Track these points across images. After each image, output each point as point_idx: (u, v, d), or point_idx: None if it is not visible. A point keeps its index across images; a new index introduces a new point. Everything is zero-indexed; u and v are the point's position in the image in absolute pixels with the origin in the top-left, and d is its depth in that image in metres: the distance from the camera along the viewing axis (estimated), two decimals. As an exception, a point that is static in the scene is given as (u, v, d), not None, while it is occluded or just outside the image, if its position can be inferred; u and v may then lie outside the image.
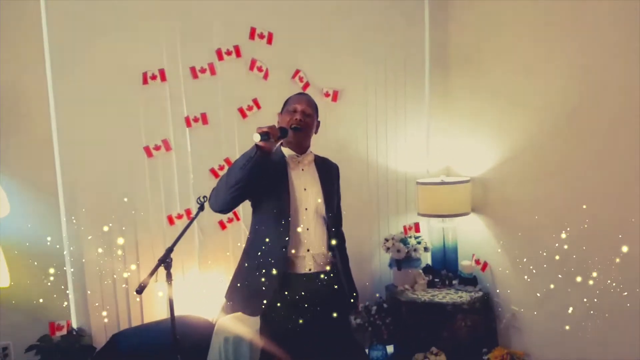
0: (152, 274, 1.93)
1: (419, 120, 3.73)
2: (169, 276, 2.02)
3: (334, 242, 2.18)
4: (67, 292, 2.96)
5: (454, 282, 3.37)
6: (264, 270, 2.08)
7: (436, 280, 3.39)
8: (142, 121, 3.06)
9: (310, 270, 2.13)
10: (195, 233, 3.18)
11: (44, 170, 2.90)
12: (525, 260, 3.01)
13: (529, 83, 2.96)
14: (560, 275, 2.74)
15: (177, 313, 3.01)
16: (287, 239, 2.08)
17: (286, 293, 2.09)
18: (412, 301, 3.18)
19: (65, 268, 2.96)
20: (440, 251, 3.52)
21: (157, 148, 3.11)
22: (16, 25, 2.82)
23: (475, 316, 3.12)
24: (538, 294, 2.90)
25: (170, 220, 3.13)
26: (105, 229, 2.99)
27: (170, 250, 2.04)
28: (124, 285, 3.05)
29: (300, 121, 2.14)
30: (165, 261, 1.99)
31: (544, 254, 2.79)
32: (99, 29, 2.95)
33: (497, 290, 3.27)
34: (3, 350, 2.81)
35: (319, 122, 2.28)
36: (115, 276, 3.04)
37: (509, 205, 3.18)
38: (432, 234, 3.62)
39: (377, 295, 3.45)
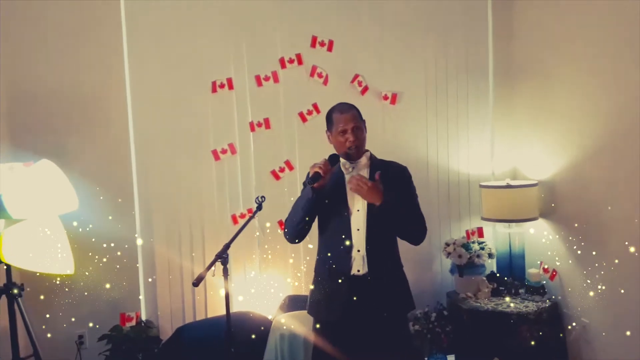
0: (208, 268, 2.04)
1: (483, 122, 3.63)
2: (225, 271, 2.11)
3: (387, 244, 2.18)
4: (139, 285, 3.18)
5: (521, 290, 3.21)
6: (334, 277, 2.15)
7: (501, 288, 3.25)
8: (210, 126, 3.26)
9: (359, 271, 2.13)
10: (256, 233, 3.29)
11: (121, 168, 3.15)
12: (597, 269, 2.80)
13: (599, 86, 2.79)
14: (637, 286, 2.53)
15: (238, 309, 3.19)
16: (346, 239, 2.13)
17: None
18: (475, 309, 3.06)
19: (137, 263, 3.17)
20: (506, 258, 3.37)
21: (223, 151, 3.28)
22: (98, 32, 3.11)
23: (542, 327, 2.94)
24: (611, 305, 2.68)
25: (234, 219, 3.27)
26: (175, 227, 3.21)
27: (227, 246, 2.14)
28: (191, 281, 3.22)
29: (355, 141, 2.17)
30: (222, 256, 2.09)
31: (617, 261, 2.59)
32: (174, 37, 3.19)
33: (567, 301, 3.07)
34: (79, 338, 3.06)
35: (364, 122, 2.28)
36: (182, 272, 3.22)
37: (579, 210, 2.99)
38: (497, 239, 3.48)
39: (438, 301, 3.36)
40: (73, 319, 3.04)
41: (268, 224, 3.29)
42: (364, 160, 2.24)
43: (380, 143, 3.36)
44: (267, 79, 3.32)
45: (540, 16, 3.28)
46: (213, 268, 2.09)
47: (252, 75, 3.30)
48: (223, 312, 3.14)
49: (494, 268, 3.44)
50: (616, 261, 2.63)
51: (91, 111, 3.11)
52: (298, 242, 2.26)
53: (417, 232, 2.19)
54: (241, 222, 3.24)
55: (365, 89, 3.45)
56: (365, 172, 2.22)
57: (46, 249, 0.95)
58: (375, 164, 2.27)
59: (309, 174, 2.13)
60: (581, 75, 2.94)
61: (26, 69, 3.01)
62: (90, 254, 3.03)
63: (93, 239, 3.02)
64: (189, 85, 3.21)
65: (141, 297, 3.20)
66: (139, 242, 3.18)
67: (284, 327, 2.78)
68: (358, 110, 2.27)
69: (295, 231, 2.18)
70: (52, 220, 0.97)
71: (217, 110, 3.26)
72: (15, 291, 2.07)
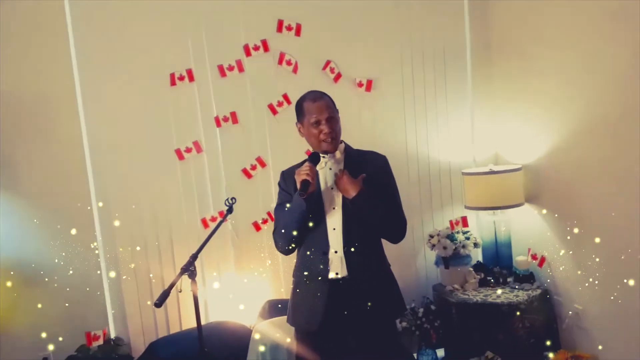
0: (173, 284, 1.82)
1: (462, 106, 3.48)
2: (193, 284, 1.90)
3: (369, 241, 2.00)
4: (105, 300, 2.93)
5: (509, 279, 3.10)
6: (312, 280, 1.98)
7: (488, 278, 3.14)
8: (172, 123, 3.00)
9: (337, 274, 1.95)
10: (229, 236, 3.07)
11: (76, 175, 2.87)
12: (587, 253, 2.70)
13: (585, 60, 2.65)
14: (629, 269, 2.43)
15: (214, 318, 2.97)
16: (323, 240, 1.97)
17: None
18: (463, 302, 2.94)
19: (101, 275, 2.92)
20: (492, 246, 3.25)
21: (188, 150, 3.03)
22: (41, 29, 2.80)
23: (534, 316, 2.84)
24: (604, 288, 2.59)
25: (205, 223, 3.04)
26: (140, 234, 2.95)
27: (194, 257, 1.93)
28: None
29: (330, 133, 1.98)
30: (189, 269, 1.87)
31: (608, 246, 2.49)
32: (124, 31, 2.90)
33: (557, 288, 2.97)
34: (44, 360, 2.80)
35: (338, 111, 2.09)
36: (151, 283, 2.98)
37: (567, 194, 2.87)
38: (482, 228, 3.36)
39: (424, 296, 3.22)
40: (37, 345, 2.78)
41: (241, 225, 3.05)
42: (338, 153, 2.05)
43: (357, 133, 3.20)
44: (231, 68, 3.07)
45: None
46: (179, 283, 1.88)
47: (214, 65, 3.04)
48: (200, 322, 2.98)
49: (480, 258, 3.33)
50: (601, 244, 2.53)
51: (38, 116, 2.81)
52: (293, 252, 2.08)
53: (395, 229, 2.03)
54: (212, 225, 3.01)
55: (338, 76, 3.24)
56: (340, 165, 2.04)
57: None
58: (352, 155, 2.08)
59: (283, 177, 1.97)
60: (561, 55, 2.81)
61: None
62: (48, 267, 2.76)
63: (49, 255, 2.75)
64: (144, 80, 2.93)
65: (109, 313, 2.95)
66: (102, 253, 2.92)
67: (265, 336, 2.59)
68: (331, 99, 2.08)
69: (290, 244, 2.01)
70: None
71: (178, 106, 3.00)
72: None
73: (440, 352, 3.13)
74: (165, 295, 1.77)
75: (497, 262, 3.21)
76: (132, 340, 2.95)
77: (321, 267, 1.95)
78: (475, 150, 3.50)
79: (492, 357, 2.77)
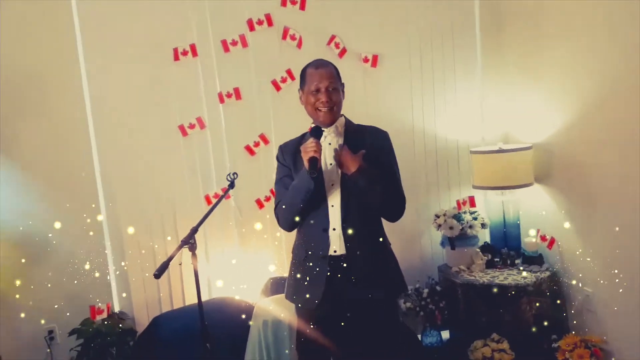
0: (172, 256, 1.81)
1: (471, 83, 3.37)
2: (194, 257, 1.89)
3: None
4: (108, 274, 2.95)
5: (517, 261, 3.03)
6: (312, 258, 1.94)
7: (496, 259, 3.07)
8: (175, 99, 2.97)
9: (336, 252, 1.91)
10: (232, 213, 3.05)
11: (80, 151, 2.88)
12: (598, 235, 2.61)
13: (599, 33, 2.53)
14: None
15: (217, 295, 2.97)
16: (326, 223, 1.92)
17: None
18: (469, 283, 2.88)
19: (105, 250, 2.93)
20: (500, 227, 3.17)
21: (191, 126, 3.00)
22: (45, 6, 2.79)
23: (541, 299, 2.78)
24: (616, 271, 2.50)
25: (208, 200, 3.02)
26: (144, 210, 2.95)
27: (194, 230, 1.92)
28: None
29: (327, 102, 1.92)
30: (189, 242, 1.86)
31: (617, 228, 2.39)
32: (128, 6, 2.87)
33: (567, 270, 2.89)
34: (49, 333, 2.84)
35: (343, 85, 2.03)
36: (155, 258, 2.98)
37: (578, 173, 2.77)
38: (490, 208, 3.27)
39: (429, 277, 3.17)
40: (42, 319, 2.82)
41: (244, 202, 3.02)
42: (338, 127, 1.99)
43: (362, 109, 3.13)
44: (234, 43, 3.01)
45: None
46: (180, 254, 1.87)
47: (218, 40, 2.99)
48: (202, 298, 2.99)
49: (487, 239, 3.25)
50: (617, 229, 2.44)
51: (42, 93, 2.81)
52: (295, 228, 2.04)
53: (394, 206, 1.96)
54: (215, 201, 2.99)
55: (343, 51, 3.16)
56: (340, 140, 1.97)
57: None
58: (352, 130, 2.02)
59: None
60: (575, 26, 2.68)
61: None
62: (52, 247, 2.79)
63: (54, 229, 2.77)
64: (148, 55, 2.90)
65: (113, 287, 2.98)
66: (106, 229, 2.94)
67: (267, 313, 2.58)
68: (337, 70, 2.01)
69: (295, 222, 1.96)
70: None
71: (182, 81, 2.96)
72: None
73: (445, 334, 3.09)
74: (164, 266, 1.76)
75: (505, 244, 3.13)
76: (136, 314, 2.97)
77: (321, 244, 1.91)
78: (484, 128, 3.40)
79: (498, 340, 2.72)
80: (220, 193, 3.01)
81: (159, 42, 2.91)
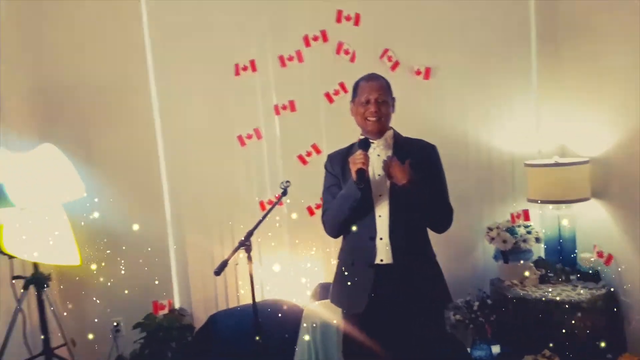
0: (231, 255, 1.96)
1: (526, 95, 3.33)
2: (249, 258, 2.02)
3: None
4: (171, 274, 3.16)
5: (572, 277, 2.95)
6: (358, 265, 2.02)
7: (550, 274, 3.00)
8: (234, 111, 3.16)
9: (382, 260, 1.97)
10: (284, 220, 3.18)
11: (149, 158, 3.13)
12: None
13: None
14: None
15: (269, 297, 3.11)
16: (373, 232, 1.99)
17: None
18: (521, 298, 2.83)
19: (169, 251, 3.15)
20: (555, 242, 3.10)
21: (249, 137, 3.18)
22: (119, 26, 3.08)
23: (597, 317, 2.68)
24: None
25: (262, 206, 3.17)
26: (204, 215, 3.15)
27: (250, 234, 2.06)
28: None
29: (375, 112, 2.01)
30: (245, 244, 2.00)
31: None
32: (194, 25, 3.11)
33: (625, 288, 2.78)
34: (115, 326, 3.07)
35: (394, 99, 2.11)
36: (213, 259, 3.16)
37: (638, 189, 2.67)
38: (545, 222, 3.20)
39: (480, 290, 3.14)
40: (109, 309, 3.08)
41: (294, 215, 3.14)
42: (388, 138, 2.06)
43: (414, 122, 3.10)
44: (290, 58, 3.17)
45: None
46: (237, 256, 2.01)
47: (276, 55, 3.16)
48: (256, 299, 3.14)
49: (541, 253, 3.18)
50: None
51: (117, 103, 3.10)
52: (340, 235, 2.13)
53: (442, 218, 2.02)
54: (268, 207, 3.13)
55: (395, 64, 3.24)
56: (388, 152, 2.04)
57: (48, 240, 0.90)
58: (401, 142, 2.08)
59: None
60: (634, 38, 2.59)
61: (54, 63, 3.03)
62: (121, 245, 3.04)
63: (123, 228, 3.02)
64: (212, 70, 3.12)
65: (174, 285, 3.19)
66: (170, 231, 3.16)
67: (316, 316, 2.68)
68: (388, 84, 2.10)
69: (341, 229, 2.07)
70: (56, 209, 0.91)
71: (241, 95, 3.16)
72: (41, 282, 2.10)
73: (496, 349, 3.05)
74: (223, 265, 1.92)
75: (560, 259, 3.05)
76: (195, 312, 3.16)
77: (368, 252, 1.98)
78: (540, 141, 3.34)
79: (550, 356, 2.66)
80: (274, 200, 3.13)
81: (221, 58, 3.12)
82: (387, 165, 1.97)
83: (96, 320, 3.06)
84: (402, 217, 1.97)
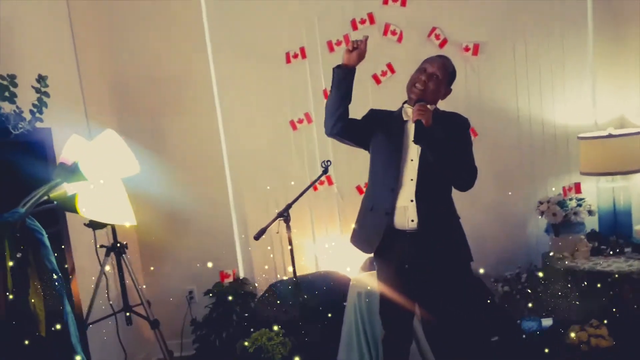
0: (270, 224, 2.20)
1: (582, 69, 3.26)
2: (288, 228, 2.26)
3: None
4: (235, 247, 3.49)
5: (627, 250, 2.89)
6: (376, 211, 2.19)
7: (603, 247, 2.96)
8: (286, 97, 3.38)
9: (413, 221, 2.11)
10: (335, 199, 3.38)
11: (212, 143, 3.43)
12: None
13: None
14: None
15: (323, 269, 3.34)
16: (395, 183, 2.14)
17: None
18: (570, 269, 2.84)
19: (233, 227, 3.47)
20: (611, 215, 3.04)
21: (300, 121, 3.39)
22: (181, 22, 3.38)
23: (650, 289, 2.64)
24: None
25: (314, 187, 3.38)
26: (262, 195, 3.43)
27: (289, 206, 2.30)
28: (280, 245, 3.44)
29: (424, 83, 2.12)
30: (283, 215, 2.23)
31: None
32: (249, 18, 3.33)
33: (683, 260, 2.69)
34: (190, 293, 3.46)
35: (449, 90, 2.23)
36: (271, 235, 3.41)
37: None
38: (600, 195, 3.13)
39: (531, 262, 3.16)
40: (184, 278, 3.46)
41: (345, 188, 3.31)
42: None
43: (464, 98, 3.25)
44: (338, 43, 3.33)
45: None
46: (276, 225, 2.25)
47: (324, 41, 3.33)
48: (310, 271, 3.40)
49: (595, 226, 3.12)
50: None
51: (183, 94, 3.42)
52: (335, 137, 2.24)
53: (464, 175, 2.13)
54: (320, 188, 3.36)
55: (444, 42, 3.29)
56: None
57: (112, 204, 1.16)
58: (437, 114, 2.20)
59: None
60: None
61: (126, 58, 3.39)
62: (191, 221, 3.40)
63: (193, 206, 3.39)
64: (265, 60, 3.34)
65: (238, 257, 3.50)
66: (233, 209, 3.48)
67: (362, 285, 2.87)
68: (453, 71, 2.23)
69: (330, 119, 2.16)
70: (116, 182, 1.17)
71: (292, 81, 3.36)
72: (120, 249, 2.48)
73: (548, 322, 3.06)
74: (262, 231, 2.17)
75: (615, 231, 2.99)
76: (257, 280, 3.46)
77: (387, 199, 2.14)
78: (597, 113, 3.25)
79: (597, 325, 2.66)
80: (324, 180, 3.36)
81: (273, 47, 3.33)
82: (416, 109, 2.05)
83: (173, 287, 3.46)
84: (429, 180, 2.10)
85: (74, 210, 1.15)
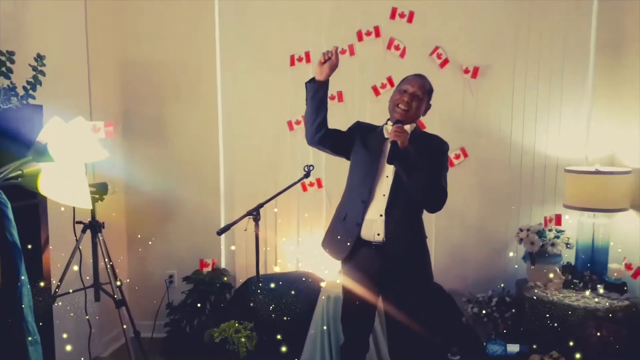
0: (236, 221, 2.29)
1: (578, 102, 3.29)
2: (256, 227, 2.33)
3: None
4: (220, 239, 3.57)
5: (599, 286, 2.91)
6: (348, 221, 2.26)
7: (576, 281, 2.99)
8: (287, 98, 3.46)
9: (379, 234, 2.18)
10: (323, 200, 3.45)
11: (210, 134, 3.52)
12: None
13: None
14: None
15: (303, 269, 3.41)
16: (367, 196, 2.21)
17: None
18: (539, 298, 2.88)
19: (220, 218, 3.56)
20: (588, 250, 3.06)
21: (297, 122, 3.47)
22: (193, 13, 3.48)
23: (614, 327, 2.66)
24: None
25: (304, 187, 3.47)
26: (253, 191, 3.50)
27: (260, 205, 2.36)
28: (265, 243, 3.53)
29: (407, 103, 2.19)
30: (252, 214, 2.30)
31: None
32: (258, 17, 3.43)
33: (651, 303, 2.71)
34: (170, 277, 3.56)
35: (429, 106, 2.29)
36: (259, 232, 3.50)
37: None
38: (580, 229, 3.16)
39: (503, 287, 3.20)
40: (164, 262, 3.57)
41: (333, 192, 3.39)
42: (407, 127, 2.24)
43: (459, 119, 3.31)
44: (343, 52, 3.38)
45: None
46: (245, 222, 2.35)
47: (329, 48, 3.37)
48: (290, 269, 3.47)
49: (572, 259, 3.15)
50: None
51: (187, 85, 3.52)
52: (315, 146, 2.33)
53: (432, 198, 2.16)
54: (310, 189, 3.44)
55: (445, 62, 3.34)
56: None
57: (71, 187, 1.23)
58: (417, 134, 2.26)
59: None
60: None
61: (137, 48, 3.51)
62: (181, 208, 3.51)
63: (184, 195, 3.50)
64: (270, 60, 3.43)
65: (222, 250, 3.60)
66: (223, 202, 3.57)
67: (332, 289, 2.94)
68: (431, 89, 2.28)
69: (309, 128, 2.28)
70: (79, 166, 1.25)
71: (294, 83, 3.44)
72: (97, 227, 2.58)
73: (515, 348, 3.10)
74: (227, 227, 2.24)
75: (591, 267, 3.02)
76: (238, 274, 3.54)
77: (358, 211, 2.21)
78: (589, 148, 3.28)
79: (557, 357, 2.69)
80: (314, 182, 3.44)
81: (280, 48, 3.42)
82: (393, 130, 2.11)
83: (156, 271, 3.57)
84: (401, 196, 2.16)
85: (35, 187, 1.24)
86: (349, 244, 2.23)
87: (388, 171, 2.21)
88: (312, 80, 2.21)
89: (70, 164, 1.27)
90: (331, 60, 2.18)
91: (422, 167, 2.09)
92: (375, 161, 2.22)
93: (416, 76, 2.27)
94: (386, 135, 2.26)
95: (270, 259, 3.56)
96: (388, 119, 2.32)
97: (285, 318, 2.98)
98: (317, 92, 2.20)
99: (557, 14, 3.26)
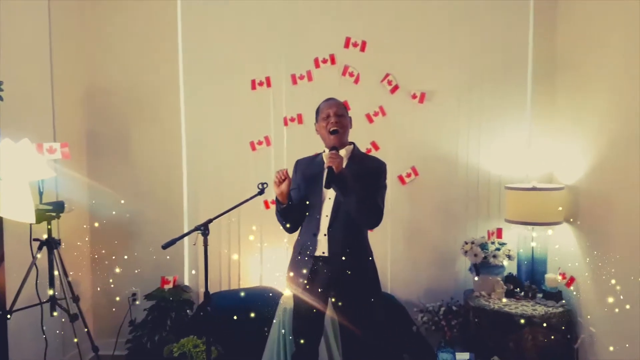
0: (182, 236, 2.39)
1: (519, 123, 3.57)
2: (205, 242, 2.43)
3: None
4: (184, 255, 3.68)
5: (538, 295, 3.14)
6: (303, 255, 2.42)
7: (517, 290, 3.20)
8: (249, 120, 3.64)
9: (323, 252, 2.35)
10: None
11: (173, 154, 3.67)
12: (612, 281, 2.67)
13: (635, 85, 2.58)
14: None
15: (265, 284, 3.53)
16: (316, 224, 2.39)
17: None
18: (481, 307, 3.07)
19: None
20: (529, 261, 3.30)
21: (259, 143, 3.65)
22: (157, 39, 3.66)
23: (549, 332, 2.87)
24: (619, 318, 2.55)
25: (266, 204, 3.62)
26: (217, 209, 3.61)
27: (209, 221, 2.45)
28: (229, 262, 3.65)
29: (336, 123, 2.40)
30: (200, 229, 2.41)
31: (632, 277, 2.45)
32: (220, 42, 3.63)
33: (581, 309, 2.94)
34: (133, 295, 3.63)
35: (350, 118, 2.51)
36: (220, 249, 3.64)
37: (604, 217, 2.83)
38: (520, 242, 3.40)
39: (452, 298, 3.40)
40: (129, 280, 3.63)
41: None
42: (344, 151, 2.43)
43: (408, 142, 3.54)
44: (301, 77, 3.61)
45: (585, 10, 3.11)
46: (194, 237, 2.46)
47: (289, 74, 3.61)
48: (253, 284, 3.59)
49: (514, 270, 3.38)
50: (632, 277, 2.50)
51: (151, 107, 3.68)
52: (294, 229, 2.54)
53: (367, 215, 2.32)
54: (272, 207, 3.59)
55: (395, 88, 3.58)
56: (343, 164, 2.40)
57: (15, 203, 1.33)
58: (356, 155, 2.45)
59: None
60: (619, 73, 2.74)
61: (102, 70, 3.66)
62: (144, 226, 3.61)
63: (148, 213, 3.60)
64: (232, 84, 3.62)
65: (185, 268, 3.69)
66: (186, 219, 3.68)
67: (289, 302, 3.06)
68: (342, 104, 2.53)
69: (284, 226, 2.52)
70: (24, 184, 1.35)
71: (256, 106, 3.63)
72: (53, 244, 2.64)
73: (465, 356, 3.28)
74: (172, 242, 2.33)
75: (531, 277, 3.25)
76: (200, 290, 3.64)
77: (311, 246, 2.38)
78: (530, 166, 3.55)
79: (498, 363, 2.88)
80: (275, 200, 3.58)
81: (241, 74, 3.61)
82: (329, 157, 2.30)
83: (120, 288, 3.63)
84: (341, 216, 2.33)
85: (-19, 204, 1.35)
86: (307, 258, 2.39)
87: (330, 194, 2.39)
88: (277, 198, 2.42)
89: (15, 182, 1.40)
90: (287, 179, 2.36)
91: (357, 188, 2.27)
92: (319, 188, 2.40)
93: (329, 100, 2.52)
94: (326, 162, 2.42)
95: (234, 272, 3.68)
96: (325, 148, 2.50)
97: (246, 331, 3.09)
98: (284, 209, 2.42)
99: (494, 40, 3.55)
